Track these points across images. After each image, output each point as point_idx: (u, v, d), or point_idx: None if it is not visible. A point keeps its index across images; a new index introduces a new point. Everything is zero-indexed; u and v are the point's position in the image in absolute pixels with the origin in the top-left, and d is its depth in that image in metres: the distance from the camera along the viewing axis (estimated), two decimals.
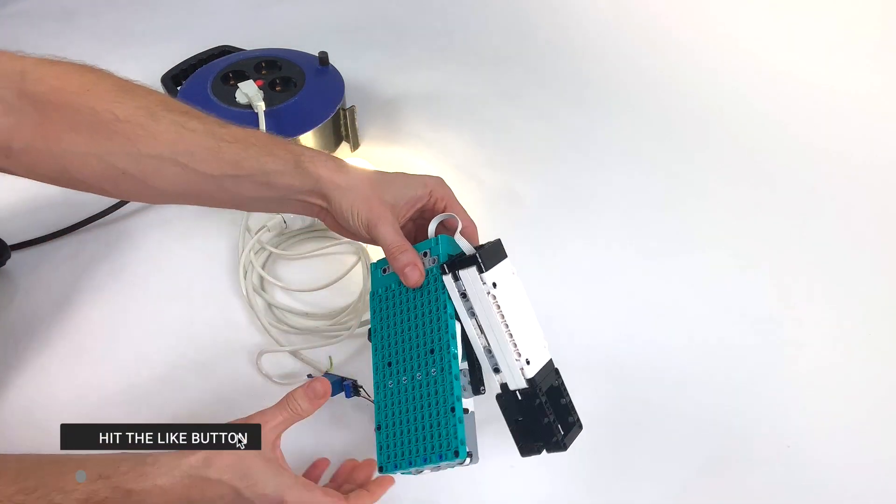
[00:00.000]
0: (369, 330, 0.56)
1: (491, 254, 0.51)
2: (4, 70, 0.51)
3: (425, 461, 0.50)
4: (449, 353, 0.50)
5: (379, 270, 0.57)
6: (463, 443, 0.49)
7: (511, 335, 0.50)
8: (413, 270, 0.52)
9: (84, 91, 0.52)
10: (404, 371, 0.53)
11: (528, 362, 0.50)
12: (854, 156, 0.93)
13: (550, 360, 0.53)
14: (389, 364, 0.54)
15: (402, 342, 0.53)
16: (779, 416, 0.67)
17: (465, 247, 0.52)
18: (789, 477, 0.62)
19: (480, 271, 0.49)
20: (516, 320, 0.51)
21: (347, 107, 0.91)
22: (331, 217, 0.57)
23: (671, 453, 0.64)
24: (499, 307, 0.50)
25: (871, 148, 0.94)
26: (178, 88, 0.94)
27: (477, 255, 0.50)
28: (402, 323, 0.54)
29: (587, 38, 1.15)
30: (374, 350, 0.55)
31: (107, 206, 0.84)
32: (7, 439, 0.65)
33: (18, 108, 0.51)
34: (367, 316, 0.74)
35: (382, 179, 0.56)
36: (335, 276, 0.78)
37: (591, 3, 1.20)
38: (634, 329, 0.74)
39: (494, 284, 0.49)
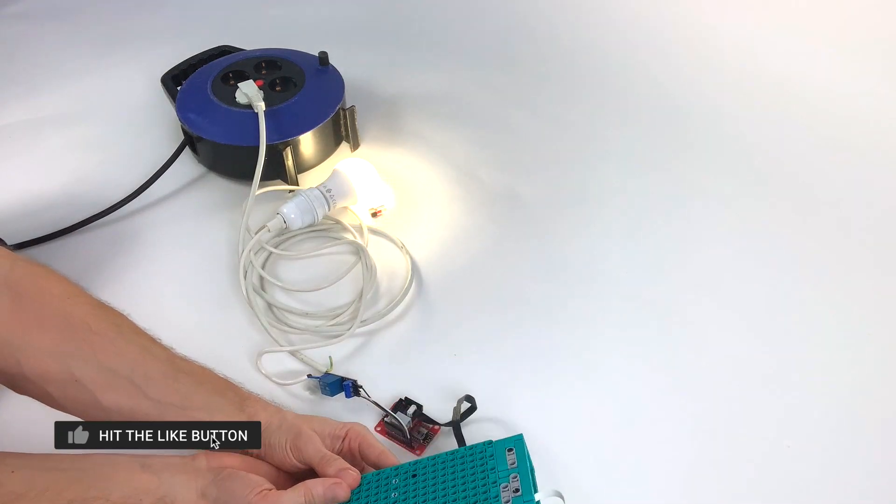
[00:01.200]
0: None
1: None
2: None
3: None
4: None
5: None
6: None
7: None
8: (347, 475, 0.52)
9: (66, 297, 0.55)
10: None
11: None
12: (855, 156, 0.93)
13: None
14: None
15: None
16: (778, 417, 0.67)
17: None
18: (789, 477, 0.62)
19: None
20: None
21: (347, 107, 0.91)
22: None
23: (669, 451, 0.64)
24: None
25: (872, 150, 0.94)
26: (178, 88, 0.94)
27: None
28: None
29: (587, 38, 1.15)
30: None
31: (107, 206, 0.84)
32: (7, 439, 0.65)
33: None
34: (367, 315, 0.74)
35: (308, 416, 0.58)
36: (335, 276, 0.78)
37: (591, 2, 1.20)
38: (634, 327, 0.74)
39: None
